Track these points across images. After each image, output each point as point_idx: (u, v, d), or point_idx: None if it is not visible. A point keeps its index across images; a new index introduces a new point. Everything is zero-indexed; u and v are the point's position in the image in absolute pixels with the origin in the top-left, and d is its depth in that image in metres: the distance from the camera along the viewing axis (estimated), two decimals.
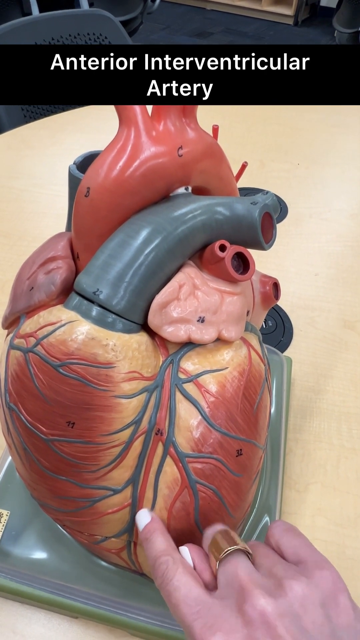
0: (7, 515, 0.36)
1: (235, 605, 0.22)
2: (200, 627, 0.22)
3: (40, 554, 0.35)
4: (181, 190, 0.30)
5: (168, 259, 0.28)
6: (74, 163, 0.33)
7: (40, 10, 1.74)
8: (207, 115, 0.96)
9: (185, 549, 0.26)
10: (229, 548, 0.24)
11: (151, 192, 0.28)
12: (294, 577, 0.23)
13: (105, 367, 0.26)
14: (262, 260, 0.64)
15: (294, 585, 0.23)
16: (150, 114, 0.28)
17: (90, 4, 2.03)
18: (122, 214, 0.28)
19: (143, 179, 0.28)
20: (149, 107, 0.28)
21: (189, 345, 0.29)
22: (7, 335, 0.32)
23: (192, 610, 0.22)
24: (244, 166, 0.36)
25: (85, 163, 0.33)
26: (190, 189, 0.31)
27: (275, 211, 0.31)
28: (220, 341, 0.29)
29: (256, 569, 0.24)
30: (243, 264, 0.30)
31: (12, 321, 0.32)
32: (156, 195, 0.29)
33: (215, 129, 0.34)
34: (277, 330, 0.56)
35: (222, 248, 0.29)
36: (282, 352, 0.53)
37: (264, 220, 0.30)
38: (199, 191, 0.32)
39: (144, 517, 0.27)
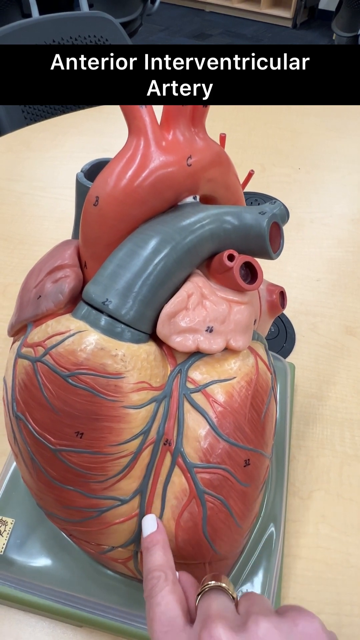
0: (11, 523, 0.36)
1: (197, 634, 0.22)
2: None
3: (45, 562, 0.35)
4: (189, 199, 0.30)
5: (177, 269, 0.28)
6: (81, 171, 0.33)
7: (40, 12, 1.73)
8: (208, 119, 0.97)
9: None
10: (209, 583, 0.24)
11: (160, 201, 0.28)
12: (266, 615, 0.21)
13: (115, 378, 0.26)
14: (263, 266, 0.64)
15: (262, 622, 0.21)
16: (159, 124, 0.28)
17: (90, 6, 2.02)
18: (131, 223, 0.28)
19: (152, 188, 0.27)
20: (159, 117, 0.28)
21: (197, 354, 0.29)
22: (13, 343, 0.32)
23: (162, 629, 0.23)
24: (250, 174, 0.36)
25: (92, 171, 0.33)
26: (198, 198, 0.31)
27: (283, 221, 0.31)
28: (227, 350, 0.29)
29: (234, 609, 0.23)
30: (251, 273, 0.30)
31: (19, 329, 0.32)
32: (165, 205, 0.29)
33: (223, 138, 0.34)
34: (280, 336, 0.56)
35: (231, 258, 0.29)
36: (285, 357, 0.53)
37: (272, 230, 0.30)
38: (206, 200, 0.32)
39: (149, 525, 0.27)
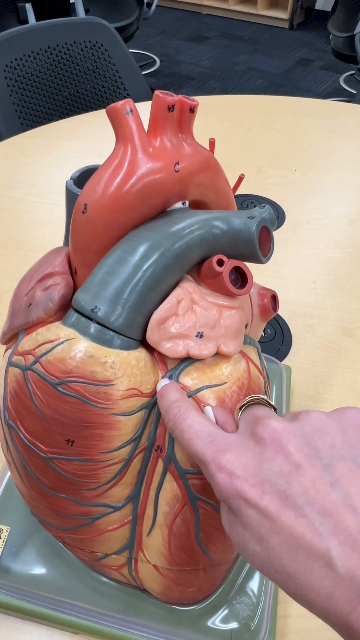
0: (7, 531, 0.36)
1: (248, 431, 0.22)
2: (213, 451, 0.22)
3: (40, 570, 0.35)
4: (178, 204, 0.30)
5: (166, 275, 0.28)
6: (71, 178, 0.33)
7: (37, 18, 1.74)
8: (204, 121, 0.97)
9: (209, 408, 0.27)
10: (253, 396, 0.25)
11: (148, 208, 0.28)
12: (315, 410, 0.23)
13: (104, 385, 0.26)
14: (260, 268, 0.64)
15: (312, 412, 0.22)
16: (146, 130, 0.28)
17: (86, 11, 2.04)
18: (120, 230, 0.28)
19: (140, 195, 0.28)
20: (145, 124, 0.28)
21: (187, 360, 0.29)
22: (6, 351, 0.32)
23: (205, 440, 0.22)
24: (240, 178, 0.36)
25: (82, 178, 0.33)
26: (187, 203, 0.31)
27: (272, 225, 0.31)
28: (219, 355, 0.29)
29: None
30: (241, 277, 0.30)
31: (11, 337, 0.32)
32: (153, 211, 0.29)
33: (212, 143, 0.34)
34: (276, 338, 0.56)
35: (220, 263, 0.29)
36: (281, 360, 0.53)
37: (262, 234, 0.30)
38: (196, 205, 0.32)
39: (164, 381, 0.28)
